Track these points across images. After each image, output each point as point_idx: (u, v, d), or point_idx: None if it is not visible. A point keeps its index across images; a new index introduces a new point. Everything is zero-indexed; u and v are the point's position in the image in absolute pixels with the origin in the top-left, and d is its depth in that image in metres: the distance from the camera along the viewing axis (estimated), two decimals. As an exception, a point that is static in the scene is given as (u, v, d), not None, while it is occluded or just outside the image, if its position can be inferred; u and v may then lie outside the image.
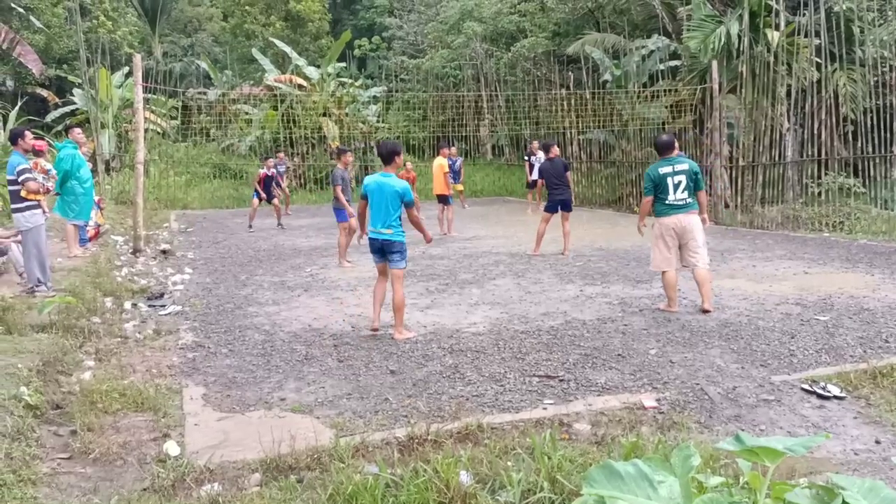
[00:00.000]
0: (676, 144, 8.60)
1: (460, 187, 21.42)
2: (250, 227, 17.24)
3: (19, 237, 9.26)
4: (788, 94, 16.91)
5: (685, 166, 8.18)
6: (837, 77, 16.32)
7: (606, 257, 11.95)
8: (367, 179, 7.59)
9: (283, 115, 24.67)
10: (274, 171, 18.09)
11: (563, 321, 7.95)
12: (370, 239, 7.53)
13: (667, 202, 8.15)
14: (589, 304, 8.79)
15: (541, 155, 19.94)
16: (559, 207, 12.53)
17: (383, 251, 7.47)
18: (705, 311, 8.15)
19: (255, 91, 29.24)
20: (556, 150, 12.77)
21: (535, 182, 20.07)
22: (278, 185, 19.13)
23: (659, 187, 8.16)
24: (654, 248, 8.39)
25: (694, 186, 8.18)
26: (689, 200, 8.15)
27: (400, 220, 7.42)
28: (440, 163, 15.99)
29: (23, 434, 4.74)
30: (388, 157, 7.57)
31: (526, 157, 20.79)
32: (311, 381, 6.14)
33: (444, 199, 15.85)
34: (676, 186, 8.10)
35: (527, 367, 6.36)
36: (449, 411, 5.33)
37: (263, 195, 17.53)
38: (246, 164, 26.30)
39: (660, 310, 8.35)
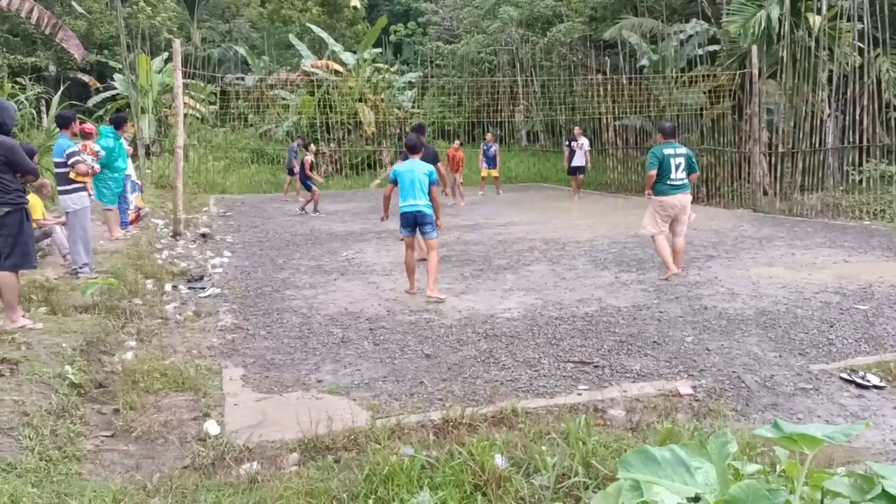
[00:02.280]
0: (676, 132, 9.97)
1: (496, 173, 21.39)
2: (316, 210, 17.34)
3: (63, 219, 9.45)
4: (830, 79, 16.58)
5: (683, 150, 9.35)
6: (880, 62, 15.96)
7: (642, 244, 11.86)
8: (397, 167, 8.73)
9: (319, 101, 24.76)
10: (311, 156, 17.99)
11: (597, 307, 7.94)
12: (404, 213, 8.50)
13: (668, 182, 9.20)
14: (624, 290, 8.76)
15: (583, 141, 19.73)
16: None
17: (416, 223, 8.48)
18: (674, 273, 9.26)
19: (292, 77, 29.34)
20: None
21: (575, 168, 19.85)
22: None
23: (662, 166, 9.16)
24: (649, 216, 9.50)
25: (689, 168, 9.35)
26: (685, 181, 9.31)
27: (430, 196, 8.48)
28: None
29: (67, 412, 4.87)
30: (415, 148, 8.82)
31: (567, 143, 20.48)
32: (347, 364, 6.22)
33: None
34: (677, 167, 9.18)
35: (561, 353, 6.37)
36: (484, 395, 5.36)
37: (319, 178, 17.72)
38: (283, 150, 26.46)
39: (662, 280, 9.21)
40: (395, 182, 8.65)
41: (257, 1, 44.87)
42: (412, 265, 8.71)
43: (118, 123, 11.95)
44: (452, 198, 18.61)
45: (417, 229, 8.59)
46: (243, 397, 5.46)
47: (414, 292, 8.64)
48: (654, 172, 9.23)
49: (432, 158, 11.04)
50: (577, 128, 20.46)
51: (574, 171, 19.96)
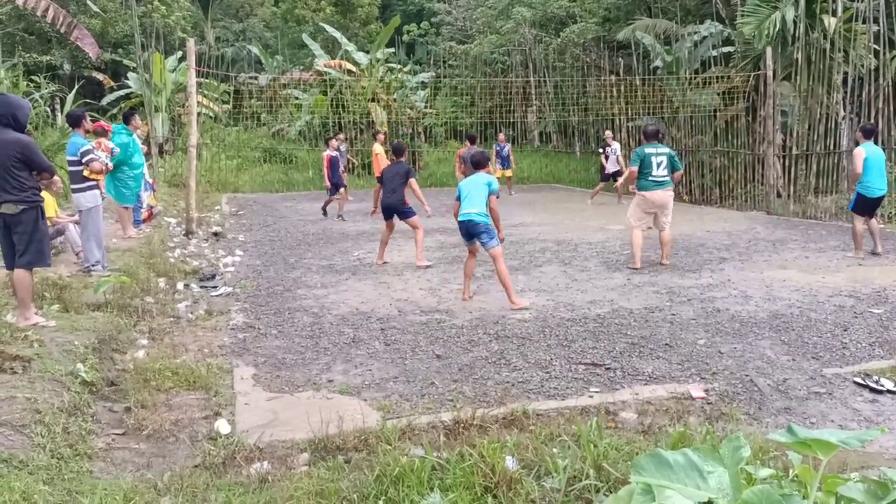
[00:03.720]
0: (661, 135, 10.93)
1: (509, 173, 21.34)
2: (326, 213, 16.43)
3: (76, 217, 9.49)
4: (845, 81, 16.47)
5: (665, 150, 10.14)
6: (896, 65, 15.87)
7: (654, 245, 11.78)
8: (462, 183, 8.66)
9: (332, 101, 24.78)
10: (337, 153, 16.88)
11: (609, 309, 7.91)
12: (459, 222, 8.38)
13: (650, 178, 10.00)
14: (636, 292, 8.72)
15: (615, 146, 18.86)
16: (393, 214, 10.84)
17: (470, 234, 8.28)
18: (662, 265, 10.16)
19: (305, 76, 29.41)
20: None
21: (611, 174, 18.73)
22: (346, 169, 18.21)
23: (644, 164, 9.99)
24: (632, 210, 10.38)
25: (672, 167, 10.07)
26: (667, 178, 10.06)
27: (486, 205, 8.22)
28: (378, 150, 17.14)
29: (79, 409, 4.88)
30: (482, 163, 8.62)
31: (601, 149, 19.53)
32: (358, 364, 6.22)
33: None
34: (659, 165, 9.97)
35: (573, 355, 6.35)
36: (494, 397, 5.35)
37: (328, 184, 16.38)
38: (296, 149, 26.52)
39: (629, 268, 10.05)
40: (459, 199, 8.43)
41: (271, 0, 45.02)
42: (469, 271, 8.56)
43: (126, 118, 12.01)
44: None
45: (475, 240, 8.29)
46: (254, 396, 5.47)
47: (467, 298, 8.42)
48: (634, 169, 10.19)
49: (405, 175, 10.63)
50: (608, 132, 19.91)
51: (609, 177, 18.88)
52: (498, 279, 8.21)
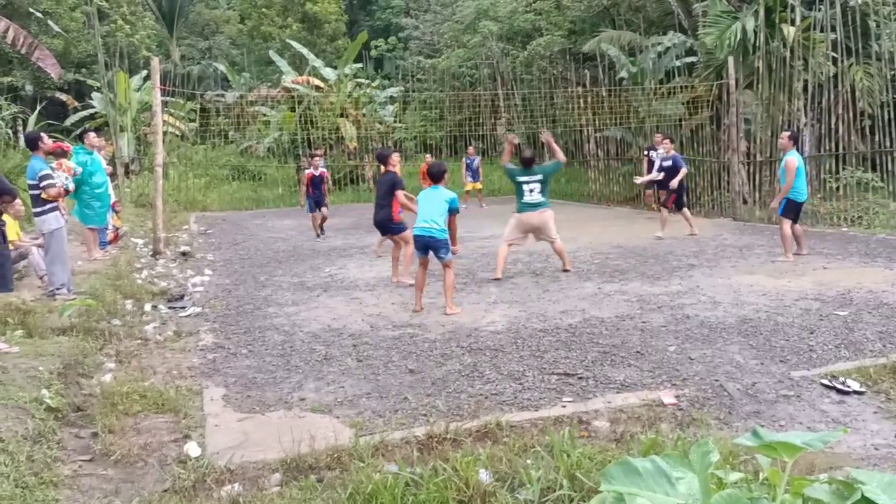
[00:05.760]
0: (536, 159, 11.01)
1: (479, 186, 21.44)
2: (320, 234, 15.82)
3: (40, 241, 9.35)
4: (805, 89, 16.75)
5: (538, 175, 10.43)
6: (854, 72, 16.15)
7: (624, 255, 11.90)
8: (422, 193, 8.81)
9: (300, 117, 24.72)
10: (322, 170, 16.14)
11: (581, 319, 7.94)
12: (416, 235, 8.51)
13: (523, 201, 10.45)
14: (607, 301, 8.77)
15: (662, 151, 16.61)
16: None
17: (428, 247, 8.46)
18: (565, 271, 10.54)
19: (273, 93, 29.32)
20: (394, 160, 10.73)
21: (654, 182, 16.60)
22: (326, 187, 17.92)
23: (517, 191, 10.49)
24: (508, 227, 10.70)
25: (545, 186, 10.43)
26: (542, 200, 10.43)
27: (445, 222, 8.46)
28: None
29: (44, 436, 4.79)
30: (438, 175, 8.70)
31: (646, 152, 18.03)
32: (330, 381, 6.18)
33: None
34: (531, 191, 10.37)
35: (545, 366, 6.36)
36: (468, 410, 5.34)
37: (303, 202, 15.88)
38: (265, 166, 26.40)
39: (492, 279, 10.20)
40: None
41: (237, 18, 44.84)
42: (422, 284, 8.70)
43: (81, 137, 11.92)
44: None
45: (430, 252, 8.53)
46: (224, 418, 5.41)
47: (420, 310, 8.55)
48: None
49: (391, 185, 10.19)
50: (658, 135, 17.52)
51: (649, 183, 17.04)
52: (443, 283, 8.56)
